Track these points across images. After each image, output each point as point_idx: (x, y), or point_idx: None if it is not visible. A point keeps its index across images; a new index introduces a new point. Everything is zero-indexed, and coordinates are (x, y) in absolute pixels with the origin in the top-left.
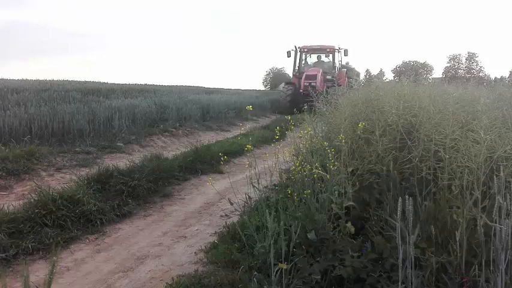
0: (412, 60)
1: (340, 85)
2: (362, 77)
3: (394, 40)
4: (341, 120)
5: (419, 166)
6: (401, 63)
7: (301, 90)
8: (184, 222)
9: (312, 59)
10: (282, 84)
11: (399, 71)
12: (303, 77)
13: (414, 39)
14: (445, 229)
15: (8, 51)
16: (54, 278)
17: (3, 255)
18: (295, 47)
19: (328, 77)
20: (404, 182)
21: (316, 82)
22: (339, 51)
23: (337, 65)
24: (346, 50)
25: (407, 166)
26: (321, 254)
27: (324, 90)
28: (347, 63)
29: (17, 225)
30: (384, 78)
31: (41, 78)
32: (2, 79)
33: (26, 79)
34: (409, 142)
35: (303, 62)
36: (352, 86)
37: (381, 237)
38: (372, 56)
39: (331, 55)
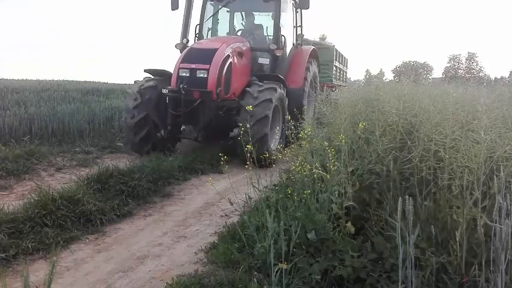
0: (412, 60)
1: (285, 82)
2: (360, 75)
3: (394, 40)
4: (341, 120)
5: (420, 166)
6: (401, 63)
7: (165, 90)
8: (185, 222)
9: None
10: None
11: (399, 71)
12: (179, 58)
13: (414, 39)
14: (445, 229)
15: (8, 51)
16: (54, 278)
17: (3, 255)
18: None
19: (264, 59)
20: (404, 182)
21: (209, 71)
22: (294, 4)
23: (287, 33)
24: None
25: (407, 166)
26: (321, 254)
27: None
28: (323, 38)
29: (17, 225)
30: (383, 78)
31: (41, 78)
32: (2, 79)
33: (26, 79)
34: (409, 142)
35: (219, 24)
36: (331, 81)
37: (380, 237)
38: (372, 56)
39: (273, 11)
